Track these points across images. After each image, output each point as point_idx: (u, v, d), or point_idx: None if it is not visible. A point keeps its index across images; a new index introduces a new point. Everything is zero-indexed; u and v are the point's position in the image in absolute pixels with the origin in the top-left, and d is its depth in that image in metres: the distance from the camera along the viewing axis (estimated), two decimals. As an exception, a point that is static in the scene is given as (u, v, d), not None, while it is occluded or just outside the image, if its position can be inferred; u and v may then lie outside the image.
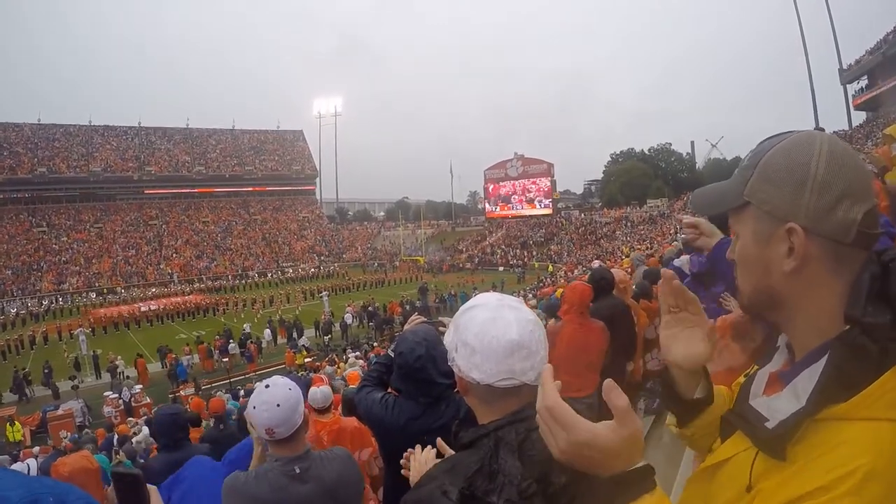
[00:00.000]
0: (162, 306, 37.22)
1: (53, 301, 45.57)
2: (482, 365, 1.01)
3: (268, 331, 26.09)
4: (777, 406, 0.77)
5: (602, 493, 0.75)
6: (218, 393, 15.17)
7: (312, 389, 3.85)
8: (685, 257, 5.12)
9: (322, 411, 3.76)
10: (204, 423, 6.91)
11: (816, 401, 0.71)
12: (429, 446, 1.35)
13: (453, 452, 1.27)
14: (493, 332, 1.01)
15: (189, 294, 44.07)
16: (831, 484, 0.65)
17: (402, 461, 1.45)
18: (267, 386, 1.96)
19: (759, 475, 0.75)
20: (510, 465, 0.94)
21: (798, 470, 0.70)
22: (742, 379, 0.96)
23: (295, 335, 25.73)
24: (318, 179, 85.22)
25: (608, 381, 0.76)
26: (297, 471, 1.91)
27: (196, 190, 72.72)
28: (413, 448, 1.49)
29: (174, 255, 60.43)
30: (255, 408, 1.90)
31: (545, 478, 0.91)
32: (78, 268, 54.31)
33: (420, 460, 1.32)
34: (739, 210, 0.84)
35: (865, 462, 0.64)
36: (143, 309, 36.25)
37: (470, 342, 1.03)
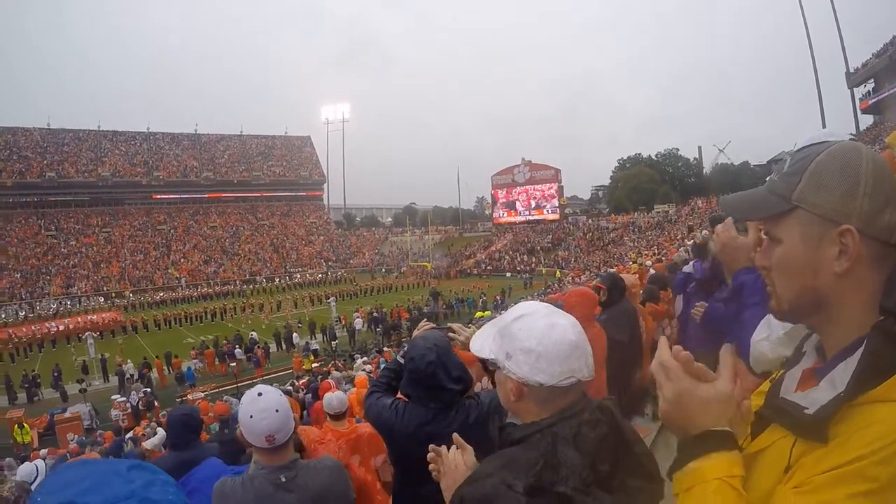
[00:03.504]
0: (73, 325, 34.69)
1: (62, 305, 45.77)
2: (548, 368, 1.08)
3: (295, 335, 26.23)
4: (815, 396, 0.80)
5: (686, 449, 0.85)
6: (225, 397, 15.21)
7: (328, 395, 3.85)
8: (692, 263, 5.12)
9: (337, 417, 3.76)
10: (204, 426, 6.90)
11: (854, 385, 0.74)
12: (454, 447, 1.37)
13: (467, 445, 1.36)
14: (555, 337, 1.10)
15: (110, 310, 41.69)
16: (865, 455, 0.69)
17: (429, 458, 1.46)
18: (259, 394, 1.97)
19: (798, 456, 0.79)
20: (571, 456, 1.01)
21: (836, 445, 0.74)
22: (766, 387, 0.98)
23: (309, 338, 26.05)
24: (325, 185, 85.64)
25: (726, 345, 0.90)
26: (283, 480, 1.92)
27: (204, 195, 73.12)
28: (420, 454, 1.49)
29: (182, 260, 60.69)
30: (251, 417, 1.91)
31: (593, 466, 1.01)
32: (86, 272, 54.66)
33: (450, 460, 1.35)
34: (783, 216, 0.86)
35: None
36: (49, 328, 33.86)
37: (534, 348, 1.09)
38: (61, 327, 34.18)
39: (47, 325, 35.27)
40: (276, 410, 1.92)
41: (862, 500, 0.68)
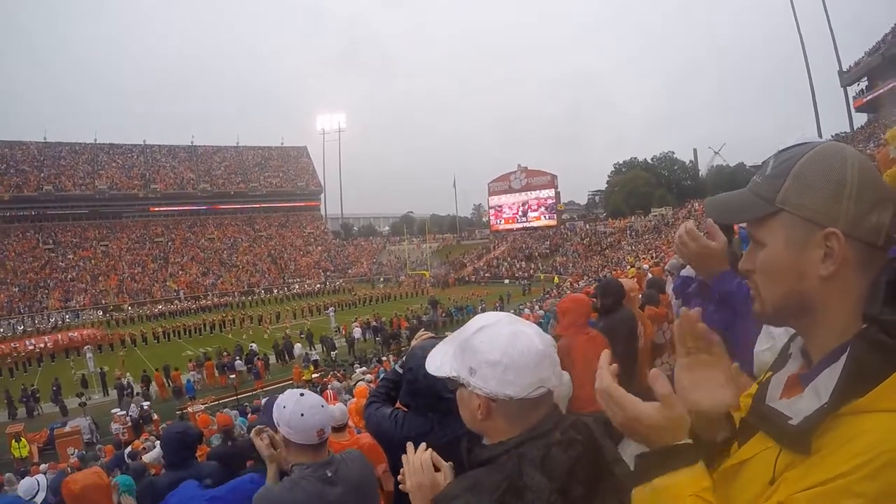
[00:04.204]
0: (52, 343, 33.72)
1: (60, 319, 45.65)
2: (516, 380, 1.01)
3: (298, 345, 26.17)
4: (799, 406, 0.78)
5: (649, 464, 0.85)
6: (224, 410, 15.16)
7: (329, 407, 3.84)
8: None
9: (338, 429, 3.75)
10: (205, 439, 6.87)
11: (838, 396, 0.73)
12: (422, 444, 1.34)
13: (444, 463, 1.25)
14: (521, 347, 1.03)
15: (88, 328, 40.10)
16: (851, 470, 0.67)
17: (399, 476, 1.44)
18: (302, 394, 2.04)
19: (782, 469, 0.77)
20: (537, 480, 0.95)
21: (820, 459, 0.72)
22: (753, 389, 0.95)
23: (308, 348, 25.98)
24: (322, 195, 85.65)
25: (653, 371, 0.87)
26: (329, 474, 1.96)
27: (201, 207, 73.12)
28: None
29: (180, 273, 60.61)
30: (303, 415, 1.95)
31: (565, 491, 0.94)
32: (84, 285, 54.55)
33: (414, 463, 1.26)
34: (767, 218, 0.84)
35: (885, 450, 0.66)
36: (28, 345, 32.50)
37: (500, 360, 1.02)
38: (41, 345, 32.91)
39: (26, 341, 34.19)
40: (322, 406, 2.02)
41: None
